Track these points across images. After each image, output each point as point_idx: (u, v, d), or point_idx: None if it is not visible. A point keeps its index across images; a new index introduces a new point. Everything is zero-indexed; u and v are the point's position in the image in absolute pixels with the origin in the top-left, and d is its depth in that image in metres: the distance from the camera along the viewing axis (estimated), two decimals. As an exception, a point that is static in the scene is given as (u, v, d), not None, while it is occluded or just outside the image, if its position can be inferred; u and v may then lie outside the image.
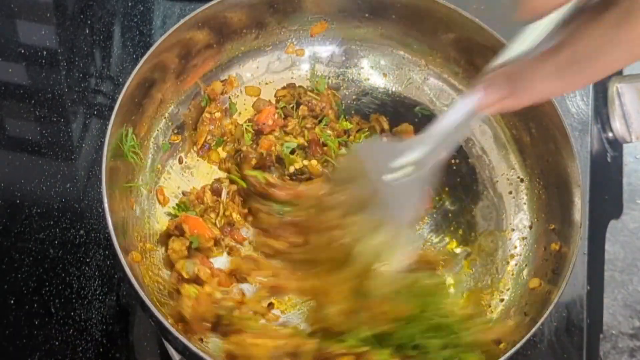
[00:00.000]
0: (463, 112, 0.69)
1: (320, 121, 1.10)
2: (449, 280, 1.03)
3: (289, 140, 1.07)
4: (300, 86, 1.13)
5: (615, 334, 1.15)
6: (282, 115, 1.09)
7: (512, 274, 1.03)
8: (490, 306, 1.01)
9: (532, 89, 0.59)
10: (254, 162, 1.04)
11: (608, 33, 0.52)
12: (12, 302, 1.03)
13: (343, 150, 1.07)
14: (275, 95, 1.12)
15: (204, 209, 1.02)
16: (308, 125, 1.08)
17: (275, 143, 1.06)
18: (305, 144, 1.07)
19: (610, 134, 1.21)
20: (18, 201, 1.10)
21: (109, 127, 0.91)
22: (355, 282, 0.83)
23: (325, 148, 1.07)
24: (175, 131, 1.07)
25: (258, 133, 1.08)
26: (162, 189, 1.03)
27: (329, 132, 1.08)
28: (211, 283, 0.93)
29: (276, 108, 1.09)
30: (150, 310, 0.83)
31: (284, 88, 1.12)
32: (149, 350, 1.05)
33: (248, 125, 1.08)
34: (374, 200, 0.79)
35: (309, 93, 1.10)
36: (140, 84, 0.97)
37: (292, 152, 1.07)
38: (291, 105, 1.10)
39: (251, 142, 1.07)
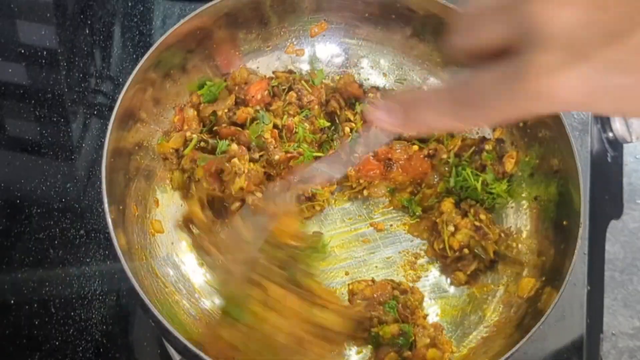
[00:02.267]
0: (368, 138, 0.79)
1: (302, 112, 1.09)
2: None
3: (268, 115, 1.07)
4: (300, 74, 1.12)
5: (615, 334, 1.15)
6: (272, 94, 1.08)
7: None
8: (487, 304, 1.02)
9: (422, 121, 0.60)
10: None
11: (505, 82, 0.52)
12: (12, 302, 1.03)
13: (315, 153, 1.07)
14: (273, 72, 1.12)
15: None
16: (290, 112, 1.08)
17: (252, 116, 1.05)
18: (280, 127, 1.06)
19: (610, 134, 1.21)
20: (18, 201, 1.10)
21: (109, 127, 0.91)
22: None
23: (295, 135, 1.06)
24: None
25: (240, 103, 1.07)
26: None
27: (306, 125, 1.07)
28: None
29: (268, 85, 1.08)
30: (150, 310, 0.83)
31: (283, 71, 1.12)
32: (149, 350, 1.05)
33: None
34: None
35: (302, 82, 1.10)
36: (141, 84, 0.97)
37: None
38: (283, 88, 1.09)
39: (227, 110, 1.06)
